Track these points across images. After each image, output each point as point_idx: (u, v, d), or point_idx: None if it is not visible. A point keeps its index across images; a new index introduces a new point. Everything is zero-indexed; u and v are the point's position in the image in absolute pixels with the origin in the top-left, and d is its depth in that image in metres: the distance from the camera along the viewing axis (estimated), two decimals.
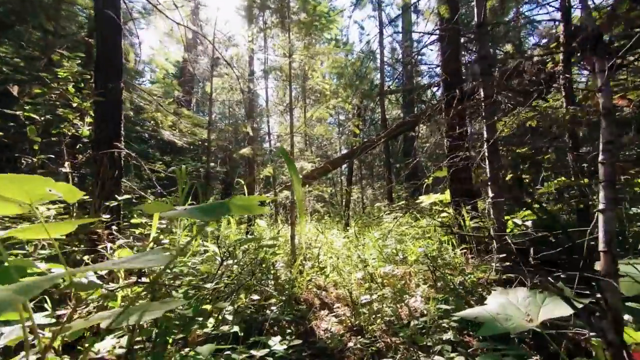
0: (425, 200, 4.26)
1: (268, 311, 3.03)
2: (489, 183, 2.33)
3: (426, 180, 5.53)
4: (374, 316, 2.55)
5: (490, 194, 2.31)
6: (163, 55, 6.44)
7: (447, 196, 4.00)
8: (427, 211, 4.40)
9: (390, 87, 10.34)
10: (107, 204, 1.84)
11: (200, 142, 7.56)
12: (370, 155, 17.72)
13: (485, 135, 2.36)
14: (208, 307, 1.19)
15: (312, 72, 6.69)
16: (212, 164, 7.72)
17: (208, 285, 1.29)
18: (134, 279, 1.27)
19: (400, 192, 12.53)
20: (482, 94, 2.35)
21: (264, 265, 3.91)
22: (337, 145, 13.49)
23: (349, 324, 2.91)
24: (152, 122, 5.09)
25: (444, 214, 3.83)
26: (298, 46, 6.56)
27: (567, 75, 2.32)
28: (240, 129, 7.29)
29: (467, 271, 2.12)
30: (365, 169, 16.87)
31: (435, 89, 9.68)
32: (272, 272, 3.66)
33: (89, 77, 2.64)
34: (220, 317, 1.28)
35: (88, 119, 2.44)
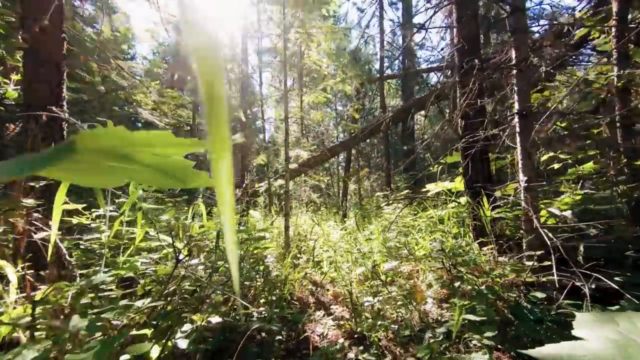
0: (432, 188, 3.85)
1: (255, 313, 2.63)
2: (521, 164, 1.92)
3: (431, 168, 5.10)
4: (379, 323, 2.16)
5: (522, 178, 1.90)
6: (148, 33, 5.92)
7: (458, 184, 3.59)
8: (435, 200, 3.99)
9: (390, 68, 9.84)
10: (32, 184, 1.41)
11: (189, 127, 7.07)
12: (368, 145, 17.29)
13: (516, 107, 1.94)
14: (148, 332, 0.78)
15: (308, 50, 6.20)
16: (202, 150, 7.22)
17: (139, 304, 0.89)
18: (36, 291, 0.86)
19: (399, 182, 12.15)
20: (513, 55, 1.92)
21: (251, 260, 3.50)
22: (334, 133, 13.03)
23: (349, 329, 2.52)
24: (134, 103, 4.62)
25: (454, 204, 3.44)
26: (294, 22, 6.06)
27: (624, 26, 1.88)
28: (232, 112, 6.80)
29: (496, 271, 1.73)
30: (363, 160, 16.51)
31: (438, 73, 9.17)
32: (261, 267, 3.25)
33: (13, 19, 2.11)
34: (170, 343, 0.88)
35: (16, 76, 1.95)
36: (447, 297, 2.51)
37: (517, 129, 1.93)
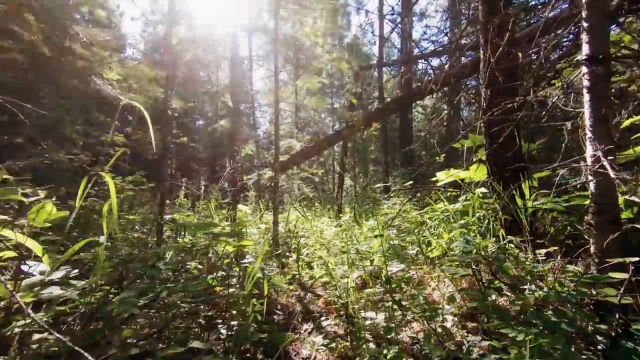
0: (443, 177, 3.27)
1: (223, 330, 2.04)
2: (590, 132, 1.34)
3: (437, 158, 4.53)
4: (384, 352, 1.59)
5: (593, 151, 1.33)
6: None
7: (474, 172, 3.02)
8: (444, 191, 3.42)
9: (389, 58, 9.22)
10: None
11: (170, 112, 6.41)
12: (365, 141, 16.67)
13: (585, 51, 1.36)
14: None
15: (300, 25, 5.57)
16: (184, 138, 6.59)
17: None
18: None
19: (397, 178, 11.61)
20: None
21: (226, 261, 2.90)
22: (330, 123, 12.48)
23: (343, 353, 1.94)
24: (92, 75, 3.98)
25: (471, 195, 2.87)
26: None
27: None
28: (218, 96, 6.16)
29: (565, 284, 1.16)
30: (359, 156, 15.99)
31: (442, 58, 8.57)
32: (237, 269, 2.66)
33: None
34: None
35: None
36: (471, 312, 1.94)
37: (586, 82, 1.36)
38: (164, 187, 3.67)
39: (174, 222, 3.26)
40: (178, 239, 3.10)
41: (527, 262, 1.36)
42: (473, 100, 10.33)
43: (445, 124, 12.44)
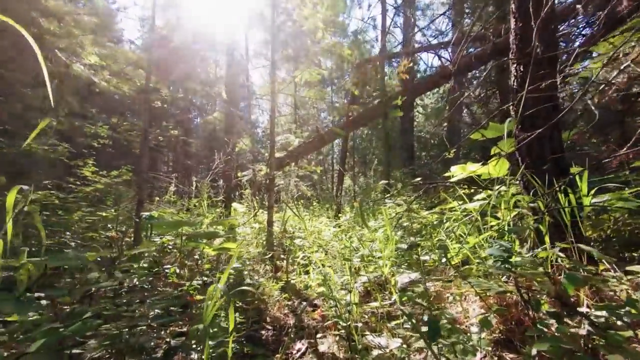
0: (458, 173, 2.88)
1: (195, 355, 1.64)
2: None
3: (447, 154, 4.13)
4: None
5: None
6: None
7: (494, 168, 2.62)
8: (462, 188, 3.02)
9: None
10: None
11: (160, 103, 6.00)
12: (364, 141, 16.28)
13: None
14: None
15: (300, 10, 5.17)
16: (175, 131, 6.17)
17: None
18: None
19: (398, 177, 11.22)
20: None
21: (207, 266, 2.51)
22: (329, 118, 12.10)
23: None
24: (57, 50, 3.57)
25: (480, 195, 2.50)
26: None
27: None
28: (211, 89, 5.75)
29: None
30: (358, 156, 15.64)
31: (449, 49, 8.21)
32: (219, 276, 2.27)
33: None
34: None
35: None
36: (507, 337, 1.55)
37: None
38: (143, 181, 3.26)
39: (149, 220, 2.87)
40: (155, 239, 2.72)
41: (617, 284, 0.97)
42: (475, 99, 9.97)
43: (444, 125, 12.07)
